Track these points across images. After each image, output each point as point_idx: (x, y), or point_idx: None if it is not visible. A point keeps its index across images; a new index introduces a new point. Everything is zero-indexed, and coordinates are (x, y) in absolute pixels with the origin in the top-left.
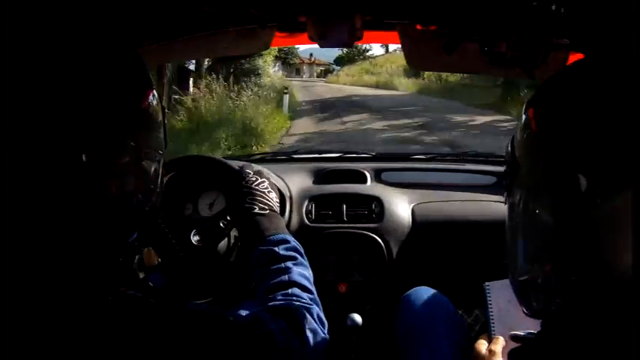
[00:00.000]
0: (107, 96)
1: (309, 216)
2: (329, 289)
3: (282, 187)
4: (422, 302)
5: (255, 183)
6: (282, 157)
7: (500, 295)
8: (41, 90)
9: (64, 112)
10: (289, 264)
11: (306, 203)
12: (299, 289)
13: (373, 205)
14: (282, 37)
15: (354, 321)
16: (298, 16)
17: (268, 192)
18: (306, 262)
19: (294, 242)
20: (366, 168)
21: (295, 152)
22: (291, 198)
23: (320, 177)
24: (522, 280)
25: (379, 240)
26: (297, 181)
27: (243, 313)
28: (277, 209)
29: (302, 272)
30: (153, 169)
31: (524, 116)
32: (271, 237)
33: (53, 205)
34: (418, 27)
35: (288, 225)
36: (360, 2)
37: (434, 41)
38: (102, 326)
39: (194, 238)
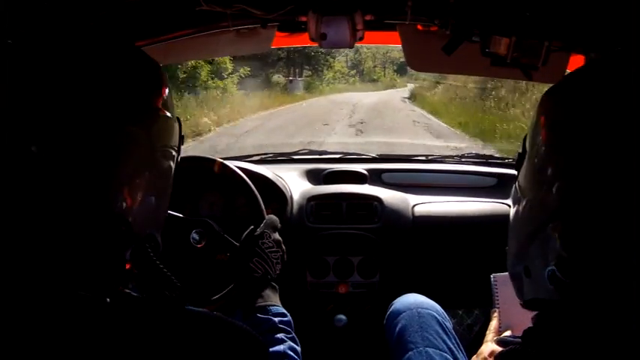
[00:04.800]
0: (120, 95)
1: (310, 217)
2: (329, 290)
3: (282, 187)
4: (409, 310)
5: (271, 250)
6: (283, 157)
7: (507, 287)
8: (49, 90)
9: (72, 112)
10: (284, 336)
11: (306, 204)
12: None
13: (373, 206)
14: (283, 37)
15: (341, 320)
16: (299, 15)
17: (276, 263)
18: (295, 337)
19: (289, 317)
20: (367, 169)
21: (296, 153)
22: (291, 198)
23: (320, 178)
24: (514, 271)
25: (379, 241)
26: (298, 182)
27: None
28: (276, 283)
29: (293, 346)
30: (167, 168)
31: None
32: (271, 308)
33: (57, 206)
34: (419, 27)
35: (288, 225)
36: (360, 2)
37: (434, 42)
38: (100, 326)
39: (194, 239)
